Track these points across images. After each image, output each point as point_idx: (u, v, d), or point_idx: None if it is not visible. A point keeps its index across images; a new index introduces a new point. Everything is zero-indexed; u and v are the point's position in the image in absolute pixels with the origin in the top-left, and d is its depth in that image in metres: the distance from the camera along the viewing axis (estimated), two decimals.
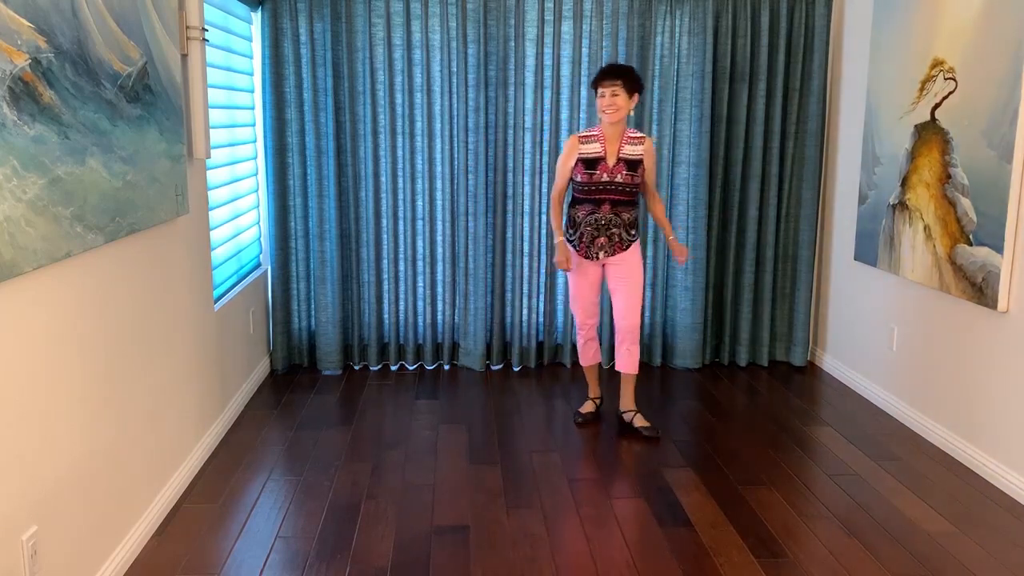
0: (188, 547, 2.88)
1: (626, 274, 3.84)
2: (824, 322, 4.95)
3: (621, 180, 3.76)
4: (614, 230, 3.81)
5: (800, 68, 4.70)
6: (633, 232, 3.84)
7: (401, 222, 4.78)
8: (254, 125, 4.62)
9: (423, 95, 4.61)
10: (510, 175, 4.73)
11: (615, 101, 3.65)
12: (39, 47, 2.16)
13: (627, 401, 3.97)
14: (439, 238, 4.82)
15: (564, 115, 4.70)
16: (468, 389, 4.55)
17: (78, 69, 2.38)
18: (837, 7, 4.71)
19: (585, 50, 4.66)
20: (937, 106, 3.76)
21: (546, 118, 4.71)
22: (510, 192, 4.74)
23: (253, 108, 4.61)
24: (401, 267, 4.83)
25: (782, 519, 3.11)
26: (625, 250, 3.83)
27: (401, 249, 4.81)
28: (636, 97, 3.70)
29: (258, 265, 4.76)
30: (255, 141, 4.65)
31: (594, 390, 4.14)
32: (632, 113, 3.81)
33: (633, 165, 3.76)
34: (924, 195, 3.86)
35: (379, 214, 4.73)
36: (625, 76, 3.65)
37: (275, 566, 2.77)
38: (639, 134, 3.80)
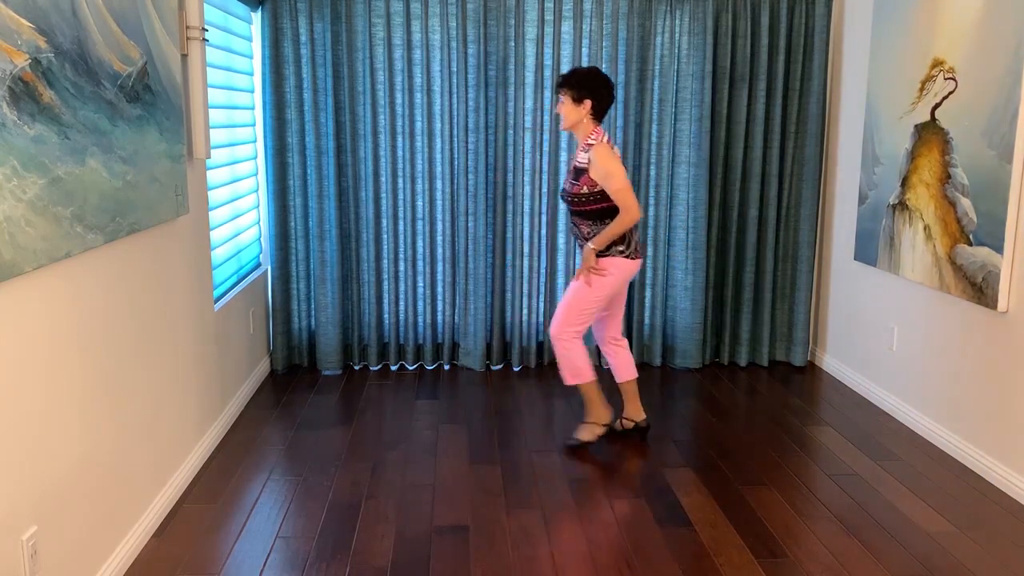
0: (188, 547, 2.88)
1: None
2: (824, 322, 4.95)
3: (566, 188, 3.60)
4: (579, 241, 3.66)
5: (800, 68, 4.70)
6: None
7: (401, 222, 4.78)
8: (254, 125, 4.62)
9: (423, 95, 4.61)
10: (510, 175, 4.73)
11: (560, 109, 3.54)
12: (39, 47, 2.16)
13: (626, 411, 3.88)
14: (439, 238, 4.82)
15: None
16: (468, 389, 4.55)
17: (78, 69, 2.38)
18: (837, 7, 4.71)
19: (585, 50, 4.66)
20: (937, 106, 3.76)
21: (546, 118, 4.71)
22: (510, 192, 4.74)
23: (253, 108, 4.61)
24: (401, 267, 4.83)
25: (782, 519, 3.11)
26: None
27: (401, 249, 4.81)
28: (587, 103, 3.47)
29: (258, 265, 4.76)
30: (255, 141, 4.65)
31: (627, 404, 3.90)
32: (584, 121, 3.51)
33: (577, 173, 3.54)
34: (924, 195, 3.86)
35: (379, 214, 4.73)
36: (567, 83, 3.50)
37: (275, 566, 2.77)
38: (595, 140, 3.50)
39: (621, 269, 3.56)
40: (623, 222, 3.44)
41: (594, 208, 3.52)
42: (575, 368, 3.65)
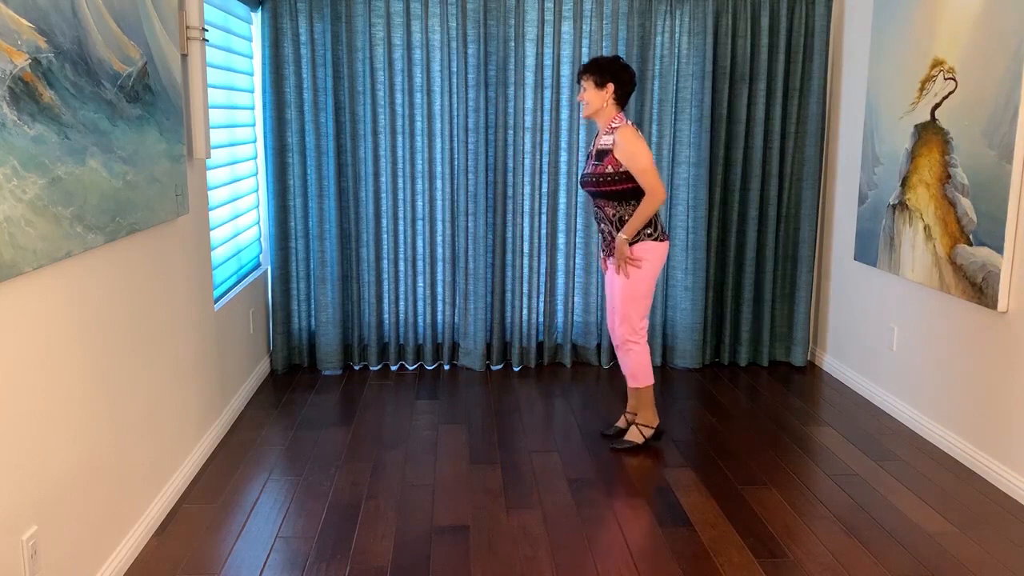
0: (188, 547, 2.88)
1: (613, 278, 3.66)
2: (824, 322, 4.95)
3: (589, 171, 3.60)
4: (603, 226, 3.66)
5: (800, 68, 4.70)
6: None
7: (401, 222, 4.78)
8: (254, 125, 4.63)
9: (423, 95, 4.61)
10: (510, 175, 4.73)
11: (583, 96, 3.57)
12: (39, 47, 2.16)
13: (630, 405, 3.84)
14: (439, 238, 4.82)
15: (564, 115, 4.70)
16: (468, 389, 4.55)
17: (78, 69, 2.38)
18: (837, 7, 4.71)
19: (585, 50, 4.66)
20: (937, 106, 3.76)
21: (546, 118, 4.71)
22: (510, 192, 4.74)
23: (253, 108, 4.61)
24: (401, 267, 4.83)
25: (782, 519, 3.11)
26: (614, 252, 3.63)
27: (401, 249, 4.81)
28: (610, 87, 3.51)
29: (258, 265, 4.76)
30: (255, 141, 4.65)
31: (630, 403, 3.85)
32: (607, 105, 3.54)
33: (600, 155, 3.56)
34: (924, 195, 3.86)
35: (379, 214, 4.73)
36: (588, 70, 3.54)
37: (275, 566, 2.77)
38: (619, 124, 3.54)
39: (656, 253, 3.57)
40: (651, 203, 3.45)
41: (619, 188, 3.52)
42: (642, 369, 3.67)
